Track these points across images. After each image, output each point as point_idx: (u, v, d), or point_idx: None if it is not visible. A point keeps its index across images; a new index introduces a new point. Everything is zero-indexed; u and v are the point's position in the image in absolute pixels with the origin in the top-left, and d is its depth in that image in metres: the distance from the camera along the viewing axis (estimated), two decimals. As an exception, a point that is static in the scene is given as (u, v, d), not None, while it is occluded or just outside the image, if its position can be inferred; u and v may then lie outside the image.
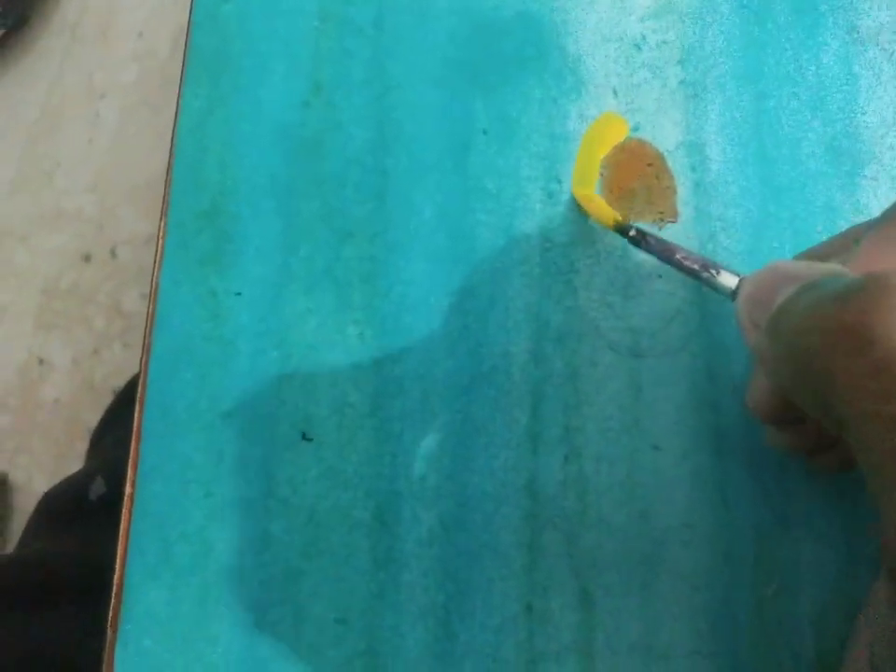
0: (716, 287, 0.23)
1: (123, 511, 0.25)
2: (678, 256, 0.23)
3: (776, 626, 0.25)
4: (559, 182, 0.28)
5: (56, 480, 0.49)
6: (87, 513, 0.43)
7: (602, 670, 0.24)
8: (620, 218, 0.25)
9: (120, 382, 0.92)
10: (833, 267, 0.20)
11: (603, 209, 0.26)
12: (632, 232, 0.24)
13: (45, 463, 0.93)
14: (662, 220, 0.27)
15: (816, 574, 0.25)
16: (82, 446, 0.82)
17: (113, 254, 1.00)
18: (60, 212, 1.02)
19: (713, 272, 0.22)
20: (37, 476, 0.93)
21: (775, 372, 0.19)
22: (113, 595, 0.24)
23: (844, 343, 0.16)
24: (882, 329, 0.16)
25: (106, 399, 0.86)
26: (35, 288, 1.00)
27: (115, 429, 0.53)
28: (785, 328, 0.18)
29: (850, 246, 0.21)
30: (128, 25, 1.08)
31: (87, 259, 1.00)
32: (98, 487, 0.42)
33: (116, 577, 0.24)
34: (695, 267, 0.23)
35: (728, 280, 0.22)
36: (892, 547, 0.16)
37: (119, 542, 0.24)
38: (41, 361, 0.98)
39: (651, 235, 0.24)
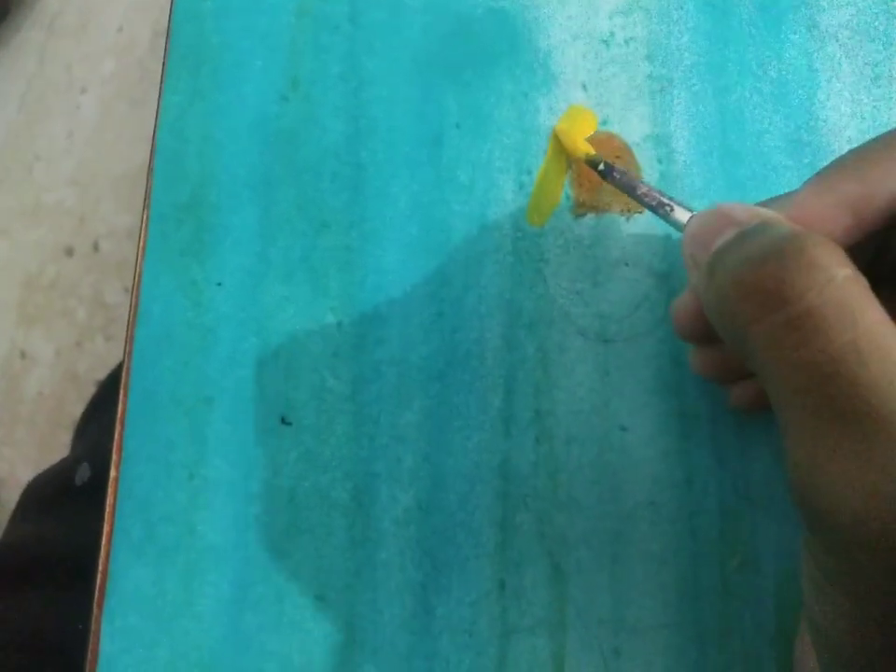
0: (671, 223, 0.24)
1: (108, 492, 0.25)
2: (639, 191, 0.25)
3: (739, 599, 0.26)
4: (530, 174, 0.28)
5: (40, 472, 0.50)
6: (73, 498, 0.43)
7: (574, 643, 0.25)
8: (592, 152, 0.27)
9: (103, 374, 0.92)
10: (770, 214, 0.21)
11: (577, 143, 0.27)
12: (601, 166, 0.26)
13: (29, 456, 0.93)
14: (629, 211, 0.28)
15: (777, 549, 0.26)
16: (66, 438, 0.82)
17: (95, 247, 1.00)
18: (40, 205, 1.02)
19: (668, 208, 0.24)
20: (21, 469, 0.93)
21: (706, 308, 0.21)
22: (98, 573, 0.25)
23: (759, 299, 0.18)
24: (793, 291, 0.17)
25: (90, 392, 0.86)
26: (17, 282, 1.00)
27: (99, 417, 0.53)
28: (716, 273, 0.20)
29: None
30: (108, 19, 1.07)
31: (68, 252, 1.00)
32: (83, 473, 0.43)
33: (101, 556, 0.25)
34: (653, 203, 0.25)
35: (681, 216, 0.24)
36: (795, 484, 0.18)
37: (105, 522, 0.25)
38: (23, 355, 0.98)
39: (618, 169, 0.26)
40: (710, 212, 0.22)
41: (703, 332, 0.24)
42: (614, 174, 0.26)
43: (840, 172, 0.21)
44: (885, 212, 0.20)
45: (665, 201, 0.24)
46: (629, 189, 0.25)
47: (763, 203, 0.23)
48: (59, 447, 0.92)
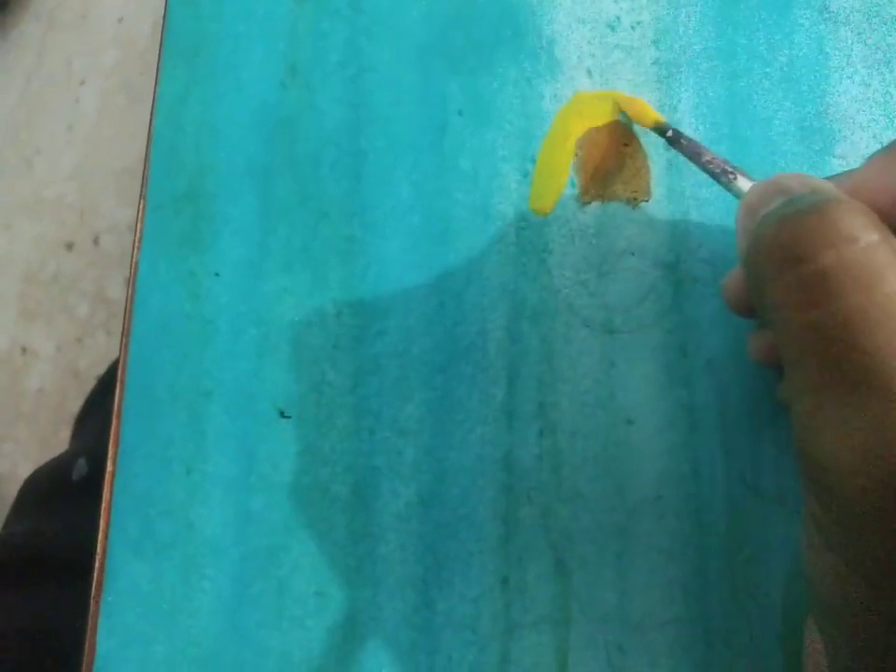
0: (732, 191, 0.24)
1: (105, 488, 0.25)
2: (704, 159, 0.25)
3: (747, 594, 0.25)
4: (534, 162, 0.28)
5: (38, 467, 0.49)
6: (70, 494, 0.43)
7: (577, 639, 0.25)
8: (661, 119, 0.26)
9: (104, 369, 0.92)
10: (822, 184, 0.20)
11: (645, 110, 0.27)
12: (669, 133, 0.26)
13: (30, 452, 0.93)
14: (636, 199, 0.28)
15: (786, 543, 0.26)
16: (67, 434, 0.82)
17: (95, 241, 1.00)
18: (41, 199, 1.01)
19: (731, 176, 0.24)
20: (22, 465, 0.93)
21: (746, 278, 0.21)
22: (95, 569, 0.25)
23: (779, 257, 0.18)
24: (810, 249, 0.17)
25: (90, 388, 0.86)
26: (17, 277, 0.99)
27: (97, 413, 0.53)
28: (750, 235, 0.20)
29: None
30: (108, 10, 1.07)
31: (69, 246, 1.00)
32: (80, 468, 0.42)
33: (98, 552, 0.25)
34: (717, 171, 0.24)
35: (744, 185, 0.24)
36: (798, 443, 0.18)
37: (102, 518, 0.25)
38: (24, 350, 0.97)
39: (686, 137, 0.26)
40: (766, 181, 0.21)
41: (749, 307, 0.24)
42: (682, 140, 0.26)
43: None
44: None
45: (730, 169, 0.24)
46: (695, 156, 0.25)
47: (829, 178, 0.22)
48: (60, 443, 0.92)
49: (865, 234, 0.17)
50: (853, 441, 0.16)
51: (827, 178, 0.23)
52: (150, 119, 0.28)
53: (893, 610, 0.17)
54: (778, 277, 0.18)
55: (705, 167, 0.25)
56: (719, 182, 0.24)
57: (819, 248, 0.17)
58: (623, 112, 0.28)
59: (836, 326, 0.17)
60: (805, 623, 0.24)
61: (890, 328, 0.16)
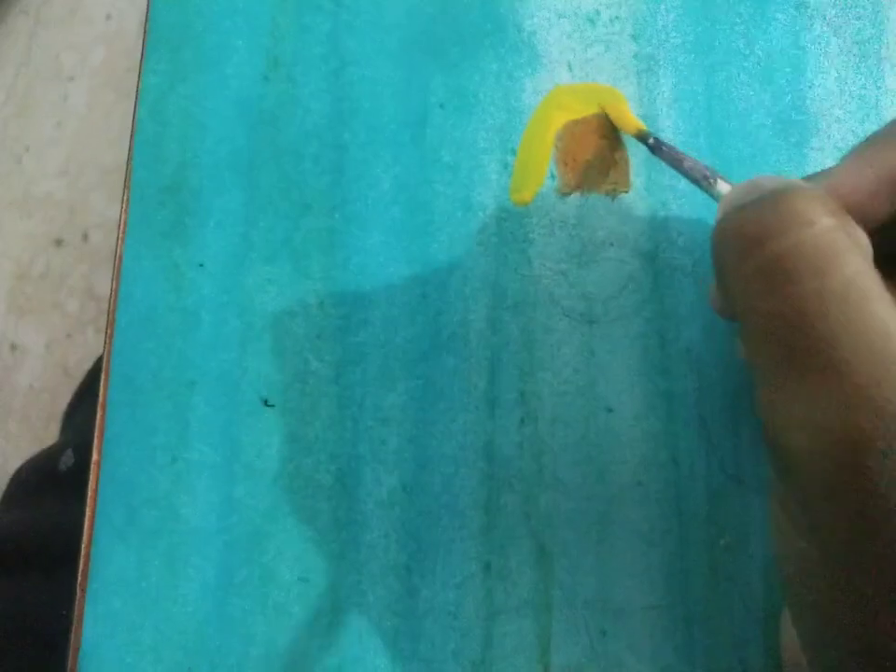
0: (713, 196, 0.24)
1: (91, 477, 0.25)
2: (685, 165, 0.25)
3: (727, 579, 0.26)
4: (514, 154, 0.28)
5: (26, 460, 0.50)
6: (57, 485, 0.43)
7: (559, 624, 0.25)
8: (643, 127, 0.27)
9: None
10: (797, 182, 0.20)
11: (627, 118, 0.27)
12: (650, 140, 0.26)
13: (21, 448, 0.93)
14: (615, 190, 0.28)
15: (765, 529, 0.26)
16: (57, 430, 0.82)
17: (85, 238, 0.99)
18: (30, 196, 1.01)
19: (711, 181, 0.24)
20: (13, 461, 0.92)
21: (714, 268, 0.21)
22: (81, 557, 0.25)
23: (737, 243, 0.18)
24: (766, 233, 0.17)
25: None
26: (7, 274, 0.99)
27: (84, 405, 0.53)
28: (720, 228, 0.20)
29: None
30: (95, 7, 1.06)
31: (58, 243, 1.00)
32: (67, 459, 0.43)
33: (84, 540, 0.25)
34: (697, 176, 0.24)
35: (723, 188, 0.24)
36: (766, 434, 0.18)
37: (87, 507, 0.25)
38: (14, 347, 0.97)
39: (667, 145, 0.26)
40: (746, 182, 0.21)
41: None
42: (663, 148, 0.26)
43: (877, 145, 0.21)
44: None
45: (709, 174, 0.24)
46: (676, 163, 0.25)
47: (807, 178, 0.23)
48: (51, 439, 0.91)
49: (821, 219, 0.17)
50: (810, 421, 0.17)
51: (804, 178, 0.23)
52: (133, 112, 0.28)
53: (855, 589, 0.17)
54: (740, 265, 0.18)
55: (686, 173, 0.25)
56: (700, 187, 0.25)
57: (776, 233, 0.17)
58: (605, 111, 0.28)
59: (793, 312, 0.17)
60: (783, 610, 0.25)
61: (844, 312, 0.16)
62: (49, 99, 1.04)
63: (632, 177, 0.28)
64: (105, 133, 1.02)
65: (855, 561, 0.17)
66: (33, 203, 1.01)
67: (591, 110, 0.29)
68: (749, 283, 0.18)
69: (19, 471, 0.49)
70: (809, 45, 0.30)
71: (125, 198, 0.27)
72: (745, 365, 0.26)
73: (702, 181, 0.24)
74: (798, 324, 0.17)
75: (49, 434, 0.93)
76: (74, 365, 0.96)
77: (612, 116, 0.28)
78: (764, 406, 0.18)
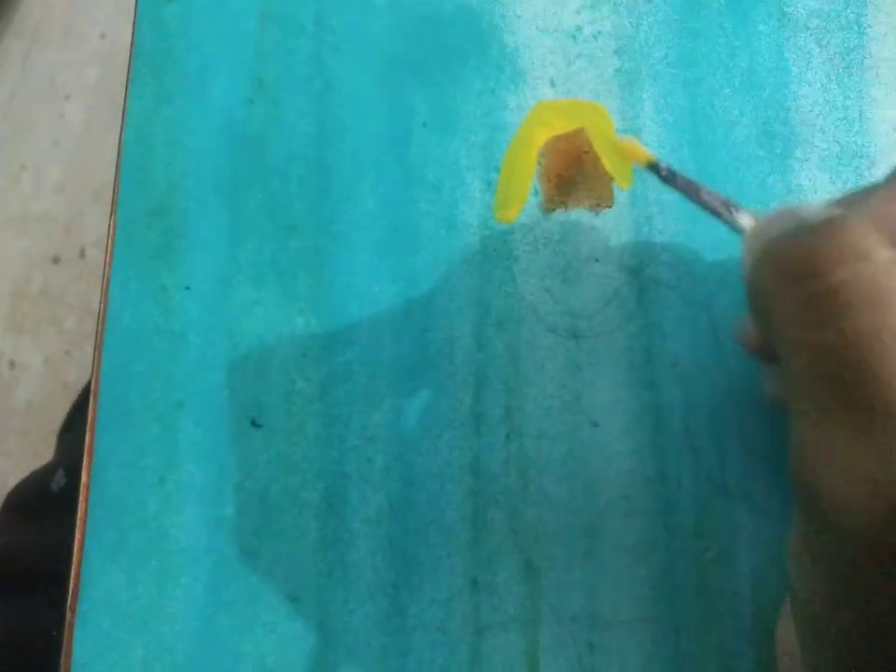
0: (733, 226, 0.23)
1: (80, 498, 0.25)
2: (702, 194, 0.24)
3: (715, 592, 0.26)
4: (498, 171, 0.28)
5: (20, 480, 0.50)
6: (49, 505, 0.43)
7: (547, 639, 0.25)
8: (653, 158, 0.26)
9: (93, 382, 0.92)
10: (835, 211, 0.20)
11: (636, 150, 0.26)
12: (663, 172, 0.25)
13: (21, 465, 0.93)
14: (599, 206, 0.28)
15: (753, 542, 0.26)
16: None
17: (82, 255, 1.00)
18: (27, 214, 1.02)
19: (732, 210, 0.23)
20: (13, 478, 0.92)
21: (748, 300, 0.20)
22: (72, 578, 0.25)
23: (787, 274, 0.17)
24: (821, 265, 0.16)
25: (79, 400, 0.86)
26: (4, 291, 1.00)
27: (76, 425, 0.53)
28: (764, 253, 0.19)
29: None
30: (90, 26, 1.07)
31: (55, 260, 1.00)
32: (59, 479, 0.43)
33: (74, 561, 0.25)
34: (716, 205, 0.24)
35: (745, 220, 0.23)
36: (795, 464, 0.17)
37: (77, 528, 0.25)
38: (12, 364, 0.98)
39: (680, 175, 0.25)
40: (774, 211, 0.21)
41: (762, 345, 0.23)
42: (677, 178, 0.25)
43: None
44: None
45: (732, 204, 0.24)
46: (692, 193, 0.24)
47: (834, 204, 0.22)
48: (50, 456, 0.92)
49: (878, 252, 0.16)
50: (856, 472, 0.16)
51: (830, 204, 0.22)
52: (119, 136, 0.28)
53: (873, 636, 0.16)
54: (788, 293, 0.17)
55: (703, 203, 0.24)
56: (719, 218, 0.24)
57: (832, 265, 0.16)
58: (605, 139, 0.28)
59: (846, 346, 0.16)
60: (777, 624, 0.25)
61: None
62: (45, 117, 1.05)
63: (615, 192, 0.28)
64: (101, 150, 1.02)
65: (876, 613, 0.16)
66: (30, 220, 1.01)
67: (574, 126, 0.29)
68: (799, 315, 0.17)
69: (13, 491, 0.49)
70: (793, 56, 0.30)
71: (112, 221, 0.28)
72: (774, 403, 0.25)
73: (722, 211, 0.24)
74: (851, 361, 0.16)
75: (48, 450, 0.93)
76: (73, 381, 0.96)
77: (620, 151, 0.27)
78: (801, 443, 0.17)
